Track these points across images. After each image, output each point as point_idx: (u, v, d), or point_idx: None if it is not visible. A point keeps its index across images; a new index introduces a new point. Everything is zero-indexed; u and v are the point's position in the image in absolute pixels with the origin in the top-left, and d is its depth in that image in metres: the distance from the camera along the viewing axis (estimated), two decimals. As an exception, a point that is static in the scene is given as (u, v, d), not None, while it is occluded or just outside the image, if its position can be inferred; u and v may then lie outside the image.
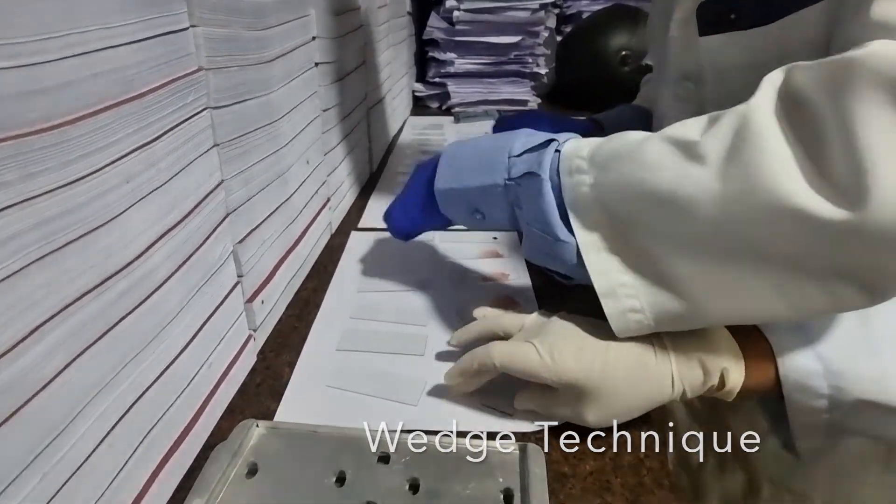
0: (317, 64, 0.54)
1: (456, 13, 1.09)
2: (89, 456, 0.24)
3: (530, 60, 1.16)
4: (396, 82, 1.01)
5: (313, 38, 0.52)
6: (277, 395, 0.38)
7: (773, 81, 0.28)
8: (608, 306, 0.32)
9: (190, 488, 0.29)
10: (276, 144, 0.44)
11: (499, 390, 0.37)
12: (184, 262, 0.31)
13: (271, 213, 0.44)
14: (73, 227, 0.23)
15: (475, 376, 0.35)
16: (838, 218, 0.24)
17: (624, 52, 1.08)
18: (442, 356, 0.42)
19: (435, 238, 0.60)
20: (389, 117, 0.95)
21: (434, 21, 1.14)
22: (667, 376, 0.32)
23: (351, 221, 0.66)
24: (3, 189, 0.19)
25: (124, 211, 0.26)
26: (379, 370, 0.40)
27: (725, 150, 0.27)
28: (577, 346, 0.33)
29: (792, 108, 0.26)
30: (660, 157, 0.29)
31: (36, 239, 0.21)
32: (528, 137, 0.37)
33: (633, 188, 0.30)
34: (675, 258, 0.30)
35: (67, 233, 0.22)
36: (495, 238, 0.60)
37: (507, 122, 0.64)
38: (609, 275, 0.32)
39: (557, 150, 0.35)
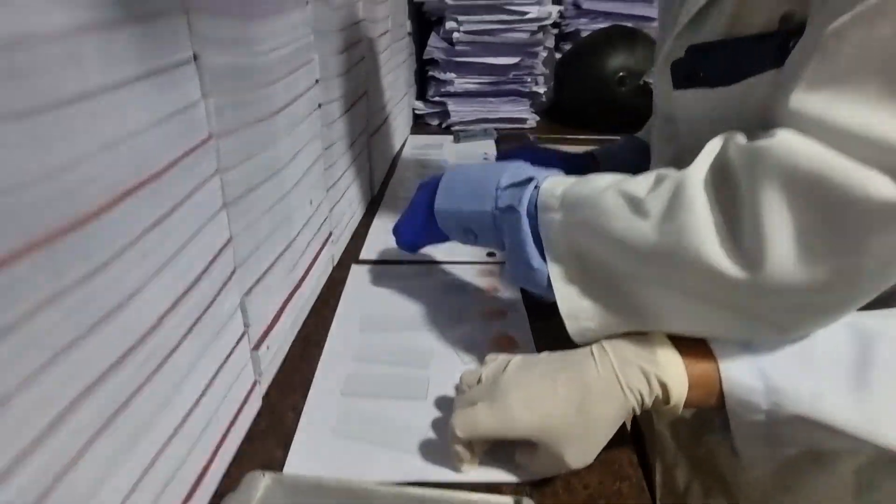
0: (320, 105, 0.55)
1: (456, 34, 1.10)
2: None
3: (529, 80, 1.18)
4: (397, 104, 1.03)
5: (316, 80, 0.54)
6: (282, 442, 0.39)
7: (711, 151, 0.33)
8: (569, 326, 0.38)
9: (201, 543, 0.31)
10: (281, 191, 0.45)
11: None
12: (195, 324, 0.32)
13: (277, 259, 0.45)
14: (94, 313, 0.24)
15: (467, 448, 0.36)
16: (741, 277, 0.30)
17: (621, 74, 1.10)
18: (443, 401, 0.43)
19: (434, 261, 0.62)
20: (390, 138, 0.96)
21: (434, 41, 1.15)
22: (617, 390, 0.34)
23: (353, 250, 0.67)
24: (35, 292, 0.21)
25: (141, 288, 0.27)
26: (382, 417, 0.41)
27: (663, 209, 0.33)
28: (526, 396, 0.35)
29: (719, 180, 0.32)
30: (614, 208, 0.35)
31: (65, 329, 0.22)
32: (515, 170, 0.43)
33: (592, 230, 0.36)
34: (624, 290, 0.36)
35: (89, 319, 0.24)
36: (490, 255, 0.62)
37: (509, 153, 0.67)
38: (571, 300, 0.38)
39: (537, 187, 0.40)
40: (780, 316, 0.31)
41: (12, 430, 0.20)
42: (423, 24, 1.22)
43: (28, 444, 0.21)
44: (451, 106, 1.18)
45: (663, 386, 0.34)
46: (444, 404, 0.43)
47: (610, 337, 0.37)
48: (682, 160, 0.34)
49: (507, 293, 0.58)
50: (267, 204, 0.43)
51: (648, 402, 0.34)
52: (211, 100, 0.33)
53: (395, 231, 0.53)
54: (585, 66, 1.14)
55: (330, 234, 0.61)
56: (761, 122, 0.32)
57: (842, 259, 0.28)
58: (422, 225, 0.50)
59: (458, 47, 1.12)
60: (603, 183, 0.37)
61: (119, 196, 0.25)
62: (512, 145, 0.84)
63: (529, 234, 0.40)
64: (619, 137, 0.69)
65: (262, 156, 0.41)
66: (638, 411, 0.35)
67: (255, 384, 0.42)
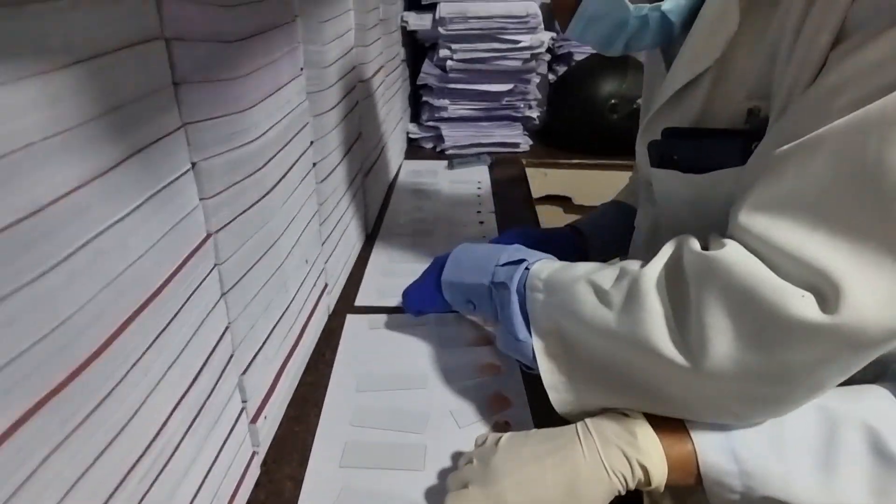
0: (314, 164, 0.56)
1: (449, 62, 1.11)
2: None
3: (522, 105, 1.19)
4: (391, 133, 1.04)
5: (311, 143, 0.55)
6: (281, 514, 0.41)
7: (665, 252, 0.37)
8: (551, 396, 0.42)
9: None
10: (276, 262, 0.46)
11: None
12: (196, 417, 0.34)
13: (273, 328, 0.46)
14: (104, 440, 0.25)
15: None
16: (687, 366, 0.33)
17: (613, 101, 1.11)
18: (440, 471, 0.44)
19: (428, 321, 0.63)
20: (385, 170, 0.97)
21: (427, 68, 1.16)
22: (602, 473, 0.36)
23: (349, 295, 0.68)
24: (49, 441, 0.22)
25: (144, 402, 0.28)
26: (381, 491, 0.43)
27: (622, 301, 0.37)
28: (517, 481, 0.36)
29: (671, 280, 0.36)
30: (585, 296, 0.39)
31: (77, 464, 0.24)
32: (513, 252, 0.47)
33: (569, 313, 0.40)
34: (597, 369, 0.39)
35: (99, 447, 0.25)
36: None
37: (503, 237, 0.69)
38: (552, 373, 0.42)
39: (527, 268, 0.45)
40: (730, 403, 0.34)
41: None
42: (417, 48, 1.23)
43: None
44: (445, 131, 1.19)
45: (644, 470, 0.35)
46: (441, 474, 0.44)
47: (593, 415, 0.39)
48: (659, 223, 0.40)
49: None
50: (263, 279, 0.44)
51: (632, 484, 0.36)
52: (209, 201, 0.34)
53: (404, 296, 0.58)
54: (578, 91, 1.15)
55: (325, 285, 0.62)
56: (728, 212, 0.35)
57: (771, 362, 0.31)
58: (429, 293, 0.55)
59: (451, 74, 1.13)
60: (580, 271, 0.41)
61: (122, 324, 0.26)
62: (505, 174, 0.86)
63: (518, 310, 0.44)
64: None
65: (257, 235, 0.42)
66: (622, 492, 0.36)
67: (253, 455, 0.43)
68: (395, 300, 0.67)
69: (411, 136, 1.25)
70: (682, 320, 0.34)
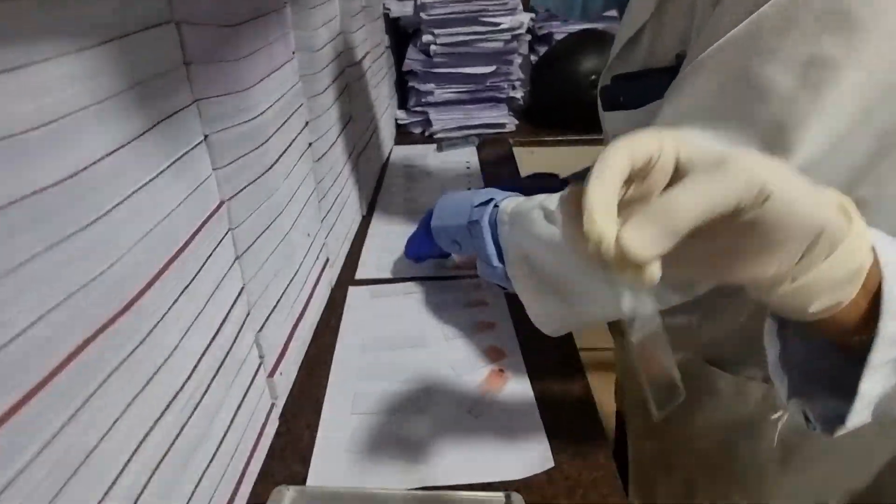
0: (310, 144, 0.60)
1: (433, 47, 1.14)
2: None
3: (506, 86, 1.22)
4: (381, 117, 1.07)
5: (306, 123, 0.58)
6: (300, 458, 0.45)
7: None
8: (529, 314, 0.48)
9: (240, 551, 0.36)
10: (282, 232, 0.50)
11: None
12: (220, 366, 0.38)
13: (283, 293, 0.50)
14: (146, 373, 0.29)
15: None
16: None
17: (593, 77, 1.15)
18: (441, 413, 0.48)
19: (426, 277, 0.68)
20: (376, 154, 1.01)
21: (412, 54, 1.19)
22: None
23: (349, 270, 0.72)
24: (104, 368, 0.26)
25: (178, 345, 0.32)
26: (389, 432, 0.47)
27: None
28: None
29: None
30: (538, 219, 0.45)
31: (127, 392, 0.27)
32: (484, 194, 0.53)
33: (527, 236, 0.46)
34: (555, 281, 0.45)
35: (144, 378, 0.29)
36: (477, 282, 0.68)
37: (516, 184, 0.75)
38: (525, 291, 0.48)
39: (496, 206, 0.51)
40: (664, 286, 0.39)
41: (113, 452, 0.26)
42: (401, 36, 1.26)
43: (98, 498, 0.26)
44: (433, 115, 1.22)
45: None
46: (442, 416, 0.48)
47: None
48: None
49: (495, 306, 0.63)
50: (272, 247, 0.48)
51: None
52: (220, 171, 0.38)
53: (405, 247, 0.65)
54: (559, 69, 1.19)
55: (327, 259, 0.66)
56: None
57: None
58: (423, 241, 0.62)
59: (435, 59, 1.16)
60: (536, 200, 0.47)
61: (158, 272, 0.30)
62: (493, 154, 0.92)
63: (490, 241, 0.50)
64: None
65: (264, 206, 0.46)
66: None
67: (272, 406, 0.47)
68: (392, 271, 0.71)
69: (400, 121, 1.28)
70: None
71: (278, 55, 0.50)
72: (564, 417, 0.48)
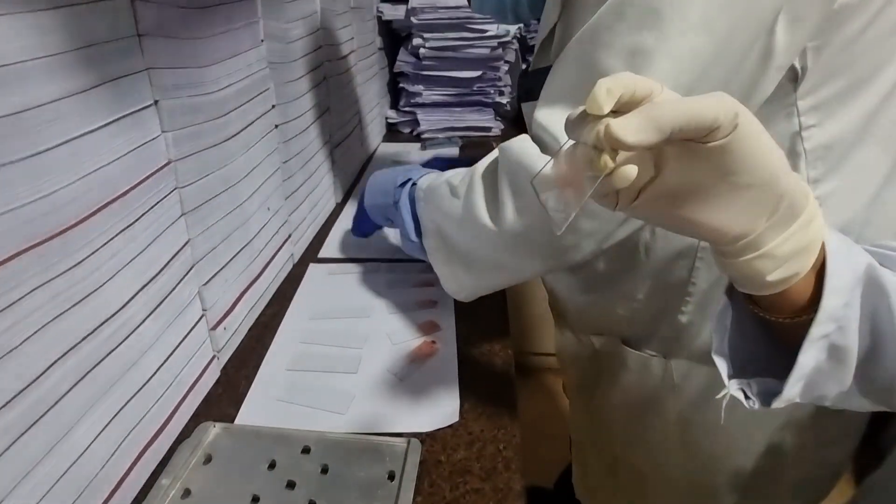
0: (277, 125, 0.65)
1: (422, 50, 1.20)
2: (88, 447, 0.35)
3: (492, 91, 1.27)
4: (368, 113, 1.12)
5: (273, 106, 0.63)
6: (234, 403, 0.49)
7: (493, 152, 0.47)
8: (443, 285, 0.53)
9: (161, 472, 0.40)
10: (236, 201, 0.55)
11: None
12: (156, 307, 0.42)
13: (234, 257, 0.55)
14: (75, 296, 0.34)
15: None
16: (496, 230, 0.44)
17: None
18: (370, 374, 0.53)
19: (384, 259, 0.72)
20: (358, 147, 1.06)
21: (403, 56, 1.25)
22: None
23: (315, 249, 0.77)
24: (29, 280, 0.30)
25: (110, 278, 0.37)
26: (318, 386, 0.51)
27: (464, 192, 0.47)
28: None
29: (490, 169, 0.46)
30: (444, 192, 0.50)
31: (51, 308, 0.32)
32: (406, 172, 0.58)
33: (436, 210, 0.51)
34: (463, 252, 0.49)
35: (70, 301, 0.33)
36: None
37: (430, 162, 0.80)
38: (439, 264, 0.52)
39: (414, 184, 0.56)
40: (536, 257, 0.44)
41: (11, 375, 0.30)
42: (395, 38, 1.32)
43: (20, 388, 0.30)
44: (421, 115, 1.27)
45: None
46: (371, 376, 0.52)
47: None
48: None
49: (441, 286, 0.67)
50: (223, 212, 0.52)
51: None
52: (170, 134, 0.43)
53: (352, 226, 0.70)
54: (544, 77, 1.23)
55: (289, 235, 0.70)
56: None
57: (540, 215, 0.41)
58: (363, 219, 0.65)
59: (424, 62, 1.22)
60: (445, 177, 0.51)
61: (93, 211, 0.35)
62: (474, 154, 1.00)
63: (409, 217, 0.55)
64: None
65: (217, 173, 0.51)
66: None
67: (213, 358, 0.51)
68: (355, 253, 0.76)
69: (390, 120, 1.33)
70: (492, 197, 0.45)
71: (244, 40, 0.55)
72: (481, 385, 0.51)
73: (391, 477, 0.40)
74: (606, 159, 0.23)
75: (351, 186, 0.99)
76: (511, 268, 0.47)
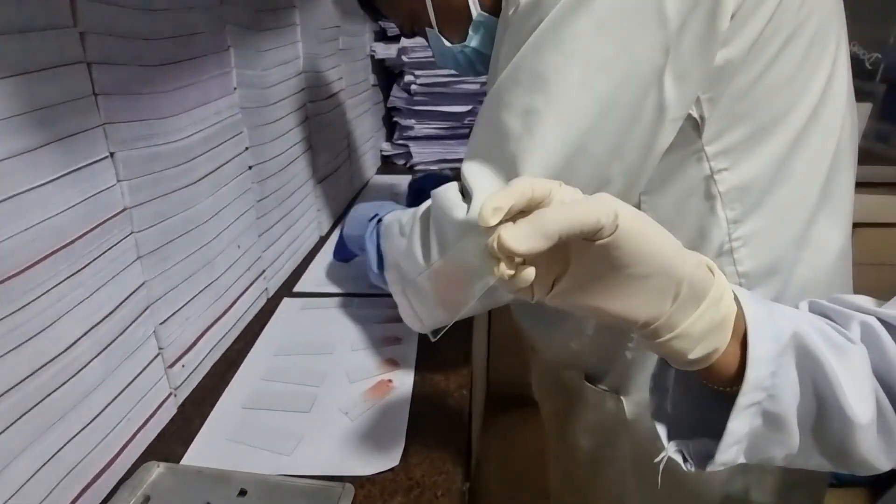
0: (251, 167, 0.67)
1: (413, 86, 1.23)
2: (21, 487, 0.36)
3: (484, 125, 1.30)
4: (362, 146, 1.15)
5: (246, 148, 0.66)
6: (185, 442, 0.50)
7: (432, 195, 0.49)
8: (398, 305, 0.54)
9: (101, 511, 0.41)
10: (200, 242, 0.57)
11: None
12: (106, 347, 0.44)
13: (196, 295, 0.57)
14: (18, 338, 0.36)
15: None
16: (425, 267, 0.47)
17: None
18: (324, 413, 0.53)
19: (357, 294, 0.74)
20: (347, 182, 1.08)
21: (395, 92, 1.29)
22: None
23: (290, 284, 0.78)
24: (-35, 327, 0.32)
25: (55, 322, 0.39)
26: (269, 425, 0.52)
27: (408, 231, 0.50)
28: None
29: (425, 213, 0.49)
30: (395, 231, 0.53)
31: (-13, 352, 0.34)
32: (376, 209, 0.61)
33: (392, 247, 0.53)
34: (413, 286, 0.51)
35: (13, 342, 0.35)
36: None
37: (416, 181, 0.86)
38: (398, 295, 0.54)
39: (380, 221, 0.58)
40: (459, 294, 0.44)
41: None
42: (390, 75, 1.36)
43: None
44: (414, 148, 1.30)
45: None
46: (323, 416, 0.53)
47: None
48: None
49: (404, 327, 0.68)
50: (185, 252, 0.54)
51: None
52: (125, 183, 0.45)
53: (334, 251, 0.76)
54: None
55: (263, 272, 0.72)
56: None
57: (456, 256, 0.41)
58: (343, 246, 0.71)
59: (416, 97, 1.25)
60: (396, 216, 0.54)
61: (37, 260, 0.37)
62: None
63: (372, 251, 0.58)
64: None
65: (182, 215, 0.53)
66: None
67: (170, 395, 0.53)
68: (333, 285, 0.77)
69: (384, 153, 1.36)
70: (425, 238, 0.48)
71: (213, 90, 0.58)
72: (430, 427, 0.52)
73: (321, 522, 0.41)
74: (503, 268, 0.25)
75: (338, 219, 1.01)
76: (449, 304, 0.48)
